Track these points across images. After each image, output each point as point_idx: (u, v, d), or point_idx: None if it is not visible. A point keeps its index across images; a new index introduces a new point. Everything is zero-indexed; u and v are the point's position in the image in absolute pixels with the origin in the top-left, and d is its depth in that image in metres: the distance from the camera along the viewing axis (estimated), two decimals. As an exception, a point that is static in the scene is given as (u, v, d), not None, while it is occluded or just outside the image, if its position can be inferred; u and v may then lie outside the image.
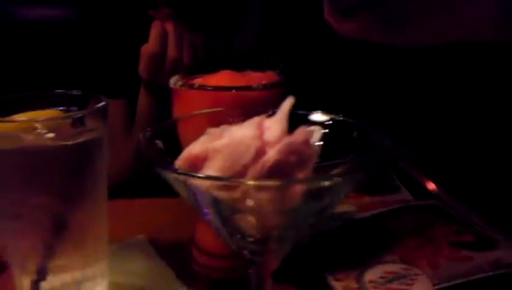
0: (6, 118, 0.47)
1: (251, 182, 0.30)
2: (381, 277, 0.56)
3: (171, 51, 0.84)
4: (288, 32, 0.95)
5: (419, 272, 0.57)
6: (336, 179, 0.31)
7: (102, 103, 0.50)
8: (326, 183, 0.30)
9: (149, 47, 0.85)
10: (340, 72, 0.93)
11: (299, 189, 0.30)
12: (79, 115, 0.49)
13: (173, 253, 0.60)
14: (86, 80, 0.96)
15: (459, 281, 0.55)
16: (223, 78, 0.51)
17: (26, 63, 1.18)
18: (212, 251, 0.54)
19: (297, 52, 0.94)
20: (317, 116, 0.37)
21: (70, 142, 0.48)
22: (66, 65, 1.09)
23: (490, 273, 0.56)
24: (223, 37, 0.97)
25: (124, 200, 0.71)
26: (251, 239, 0.34)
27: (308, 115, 0.37)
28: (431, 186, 0.78)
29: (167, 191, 0.73)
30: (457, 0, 0.32)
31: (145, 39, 0.85)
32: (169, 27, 0.83)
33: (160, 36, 0.83)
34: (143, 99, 0.94)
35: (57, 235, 0.49)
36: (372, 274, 0.57)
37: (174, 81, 0.52)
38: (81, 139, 0.48)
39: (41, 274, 0.49)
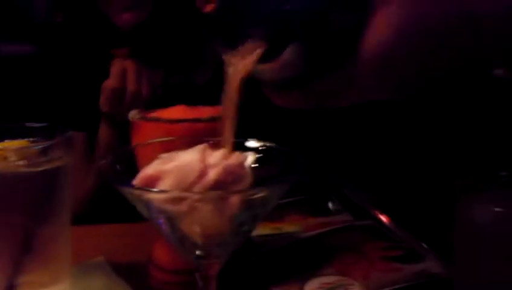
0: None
1: (196, 195, 0.37)
2: (320, 287, 0.63)
3: (130, 86, 0.91)
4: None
5: (353, 282, 0.64)
6: (263, 192, 0.38)
7: (67, 134, 0.56)
8: (256, 195, 0.37)
9: (109, 82, 0.91)
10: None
11: (235, 200, 0.37)
12: (46, 145, 0.55)
13: (131, 272, 0.66)
14: (51, 113, 1.01)
15: (388, 289, 0.63)
16: (176, 111, 0.58)
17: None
18: (167, 267, 0.60)
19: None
20: (252, 143, 0.44)
21: (38, 169, 0.53)
22: (33, 99, 1.14)
23: (414, 282, 0.64)
24: (181, 73, 1.04)
25: (84, 226, 0.76)
26: (197, 245, 0.41)
27: (245, 142, 0.44)
28: (369, 208, 0.87)
29: (124, 218, 0.78)
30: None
31: (106, 75, 0.91)
32: (128, 64, 0.90)
33: (119, 72, 0.89)
34: (103, 132, 0.99)
35: (24, 254, 0.54)
36: (312, 285, 0.63)
37: (132, 114, 0.58)
38: (47, 167, 0.54)
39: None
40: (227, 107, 0.41)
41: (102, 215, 0.87)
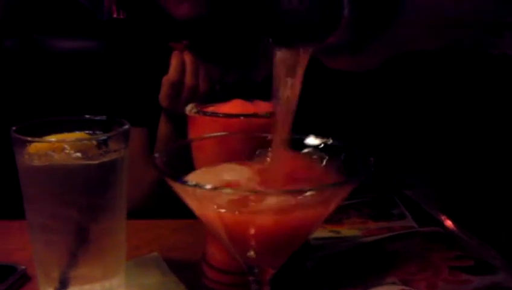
0: (40, 139, 0.53)
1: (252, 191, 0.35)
2: (380, 297, 0.59)
3: (188, 80, 0.90)
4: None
5: (418, 293, 0.59)
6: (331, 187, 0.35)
7: (125, 127, 0.55)
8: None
9: (169, 76, 0.91)
10: (346, 101, 0.97)
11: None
12: (103, 138, 0.54)
13: (185, 269, 0.64)
14: (112, 108, 1.02)
15: (456, 302, 0.58)
16: (233, 106, 0.56)
17: (59, 91, 1.25)
18: (221, 267, 0.58)
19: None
20: (312, 140, 0.41)
21: (95, 162, 0.53)
22: (95, 94, 1.16)
23: (487, 296, 0.59)
24: (239, 70, 1.03)
25: (140, 221, 0.76)
26: (250, 250, 0.38)
27: (305, 138, 0.42)
28: (435, 213, 0.81)
29: (180, 214, 0.77)
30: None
31: (166, 70, 0.91)
32: (187, 57, 0.90)
33: (178, 66, 0.89)
34: (162, 126, 0.99)
35: (80, 246, 0.53)
36: (373, 293, 0.60)
37: (189, 108, 0.57)
38: (104, 159, 0.53)
39: (63, 284, 0.54)
40: (283, 105, 0.39)
41: (159, 210, 0.87)
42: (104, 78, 1.14)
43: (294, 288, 0.61)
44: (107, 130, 0.56)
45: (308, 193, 0.34)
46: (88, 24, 1.32)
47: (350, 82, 0.89)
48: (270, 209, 0.34)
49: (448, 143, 0.96)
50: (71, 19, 1.38)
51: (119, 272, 0.57)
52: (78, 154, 0.52)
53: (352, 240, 0.74)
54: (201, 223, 0.52)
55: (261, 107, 0.56)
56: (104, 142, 0.54)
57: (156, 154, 0.40)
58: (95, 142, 0.53)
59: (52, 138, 0.54)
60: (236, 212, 0.35)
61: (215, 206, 0.35)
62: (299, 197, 0.34)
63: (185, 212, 0.79)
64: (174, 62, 0.91)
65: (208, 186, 0.35)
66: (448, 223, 0.78)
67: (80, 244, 0.53)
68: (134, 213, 0.94)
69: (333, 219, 0.78)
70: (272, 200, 0.34)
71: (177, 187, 0.37)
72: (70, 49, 1.31)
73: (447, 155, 0.96)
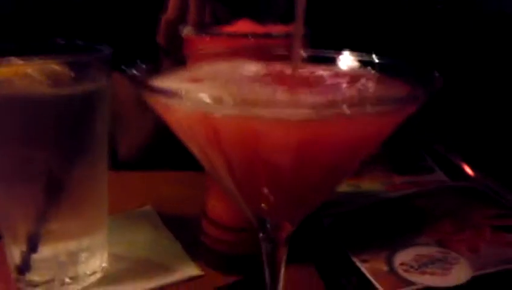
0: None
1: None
2: (414, 260, 0.50)
3: (191, 18, 0.78)
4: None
5: (457, 257, 0.50)
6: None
7: (106, 52, 0.45)
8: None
9: (168, 14, 0.79)
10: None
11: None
12: (79, 62, 0.43)
13: (181, 225, 0.55)
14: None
15: (503, 267, 0.48)
16: (241, 26, 0.45)
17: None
18: (223, 223, 0.48)
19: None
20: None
21: (67, 91, 0.42)
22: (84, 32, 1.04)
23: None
24: (246, 12, 0.91)
25: (131, 172, 0.66)
26: (265, 198, 0.28)
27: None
28: (468, 169, 0.71)
29: (177, 166, 0.68)
30: None
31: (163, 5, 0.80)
32: None
33: (179, 2, 0.77)
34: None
35: (50, 197, 0.44)
36: (404, 256, 0.50)
37: (187, 30, 0.46)
38: (79, 89, 0.43)
39: (32, 242, 0.44)
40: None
41: (154, 163, 0.77)
42: (96, 14, 1.02)
43: (309, 249, 0.52)
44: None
45: (365, 103, 0.24)
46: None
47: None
48: (307, 122, 0.24)
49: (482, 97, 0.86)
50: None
51: (99, 227, 0.48)
52: (47, 81, 0.42)
53: (374, 195, 0.64)
54: (203, 175, 0.42)
55: (274, 28, 0.46)
56: (80, 68, 0.43)
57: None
58: (67, 68, 0.43)
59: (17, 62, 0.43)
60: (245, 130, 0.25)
61: (218, 125, 0.25)
62: (351, 107, 0.23)
63: (184, 165, 0.69)
64: (172, 3, 0.79)
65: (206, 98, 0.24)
66: (484, 178, 0.68)
67: (51, 195, 0.43)
68: (126, 165, 0.85)
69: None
70: (306, 109, 0.24)
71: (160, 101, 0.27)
72: None
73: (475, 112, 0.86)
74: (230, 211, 0.48)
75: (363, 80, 0.30)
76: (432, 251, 0.51)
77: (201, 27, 0.50)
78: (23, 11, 1.02)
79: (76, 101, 0.43)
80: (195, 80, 0.32)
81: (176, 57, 0.87)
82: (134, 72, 0.30)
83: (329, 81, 0.30)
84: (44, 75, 0.42)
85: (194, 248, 0.51)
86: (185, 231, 0.54)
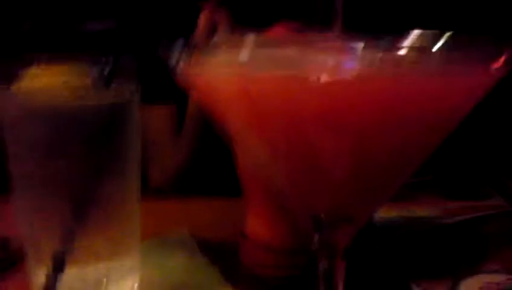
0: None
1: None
2: (483, 288, 0.43)
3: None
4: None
5: (532, 285, 0.44)
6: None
7: (133, 60, 0.42)
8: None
9: (196, 38, 0.78)
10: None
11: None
12: (106, 71, 0.41)
13: (219, 250, 0.50)
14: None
15: None
16: (276, 34, 0.42)
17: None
18: (264, 243, 0.44)
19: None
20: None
21: (94, 102, 0.40)
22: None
23: None
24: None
25: (167, 195, 0.63)
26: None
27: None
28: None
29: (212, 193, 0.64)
30: None
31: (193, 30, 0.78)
32: (220, 17, 0.76)
33: (207, 27, 0.76)
34: (192, 103, 0.86)
35: (77, 213, 0.40)
36: (471, 285, 0.44)
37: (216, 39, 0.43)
38: (108, 99, 0.40)
39: (58, 262, 0.40)
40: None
41: (187, 189, 0.74)
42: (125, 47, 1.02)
43: (364, 277, 0.46)
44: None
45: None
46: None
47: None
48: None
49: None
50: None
51: (131, 249, 0.44)
52: (74, 92, 0.39)
53: (430, 220, 0.58)
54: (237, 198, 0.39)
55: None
56: (108, 79, 0.40)
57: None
58: (94, 78, 0.40)
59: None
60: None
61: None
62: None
63: (217, 191, 0.65)
64: (202, 23, 0.77)
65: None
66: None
67: (78, 211, 0.40)
68: (157, 191, 0.81)
69: (403, 195, 0.63)
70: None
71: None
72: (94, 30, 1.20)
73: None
74: (273, 229, 0.43)
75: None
76: (501, 278, 0.45)
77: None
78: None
79: (105, 112, 0.40)
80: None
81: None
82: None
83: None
84: (71, 88, 0.40)
85: (232, 273, 0.46)
86: (223, 256, 0.49)
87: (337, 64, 0.22)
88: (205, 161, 0.85)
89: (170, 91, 0.91)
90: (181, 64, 0.26)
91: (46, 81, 0.40)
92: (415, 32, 0.23)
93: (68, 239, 0.40)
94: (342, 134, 0.22)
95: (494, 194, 0.65)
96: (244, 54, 0.23)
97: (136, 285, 0.45)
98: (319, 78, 0.21)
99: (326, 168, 0.24)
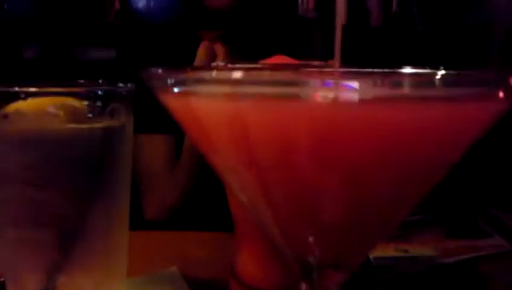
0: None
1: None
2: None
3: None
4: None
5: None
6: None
7: (128, 86, 0.42)
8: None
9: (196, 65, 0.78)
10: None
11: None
12: (99, 96, 0.40)
13: (208, 287, 0.49)
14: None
15: None
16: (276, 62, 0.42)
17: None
18: (254, 283, 0.42)
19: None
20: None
21: (84, 128, 0.39)
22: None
23: None
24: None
25: (153, 231, 0.61)
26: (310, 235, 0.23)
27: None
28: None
29: (204, 227, 0.63)
30: None
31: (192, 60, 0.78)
32: (218, 47, 0.77)
33: (206, 56, 0.76)
34: None
35: (63, 246, 0.38)
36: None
37: (215, 64, 0.42)
38: (98, 126, 0.39)
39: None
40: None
41: (182, 223, 0.72)
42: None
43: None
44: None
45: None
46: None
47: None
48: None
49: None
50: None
51: (116, 285, 0.42)
52: (64, 117, 0.38)
53: (426, 260, 0.56)
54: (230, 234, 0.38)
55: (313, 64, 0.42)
56: (99, 104, 0.40)
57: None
58: (86, 103, 0.39)
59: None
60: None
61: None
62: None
63: (212, 226, 0.63)
64: (201, 52, 0.78)
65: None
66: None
67: (63, 244, 0.38)
68: (152, 225, 0.80)
69: (399, 234, 0.61)
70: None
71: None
72: (95, 58, 1.21)
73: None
74: (265, 269, 0.41)
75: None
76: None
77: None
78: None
79: (95, 139, 0.39)
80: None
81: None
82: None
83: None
84: (62, 111, 0.39)
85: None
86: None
87: (336, 84, 0.21)
88: (201, 194, 0.84)
89: (168, 122, 0.90)
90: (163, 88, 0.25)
91: (35, 106, 0.40)
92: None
93: (52, 273, 0.39)
94: (335, 169, 0.21)
95: (493, 233, 0.64)
96: (235, 74, 0.22)
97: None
98: (315, 99, 0.20)
99: (318, 209, 0.23)
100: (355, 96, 0.20)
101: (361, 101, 0.19)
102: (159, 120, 0.91)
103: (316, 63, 0.42)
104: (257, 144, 0.22)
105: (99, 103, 0.40)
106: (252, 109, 0.20)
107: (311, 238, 0.24)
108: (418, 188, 0.24)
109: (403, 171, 0.22)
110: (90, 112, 0.39)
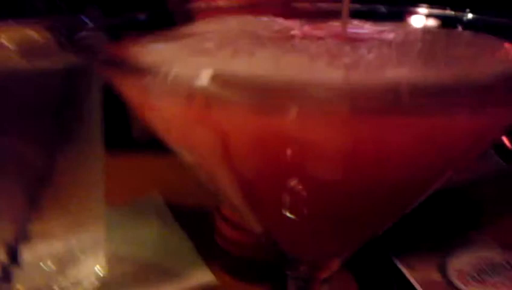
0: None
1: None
2: (473, 267, 0.41)
3: None
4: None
5: (526, 263, 0.41)
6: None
7: (94, 14, 0.36)
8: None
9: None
10: None
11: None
12: (62, 27, 0.35)
13: (193, 221, 0.47)
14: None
15: None
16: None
17: None
18: (240, 223, 0.40)
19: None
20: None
21: (45, 64, 0.34)
22: None
23: None
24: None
25: (135, 153, 0.59)
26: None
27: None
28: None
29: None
30: None
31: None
32: None
33: None
34: None
35: (31, 196, 0.36)
36: (461, 262, 0.41)
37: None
38: (62, 61, 0.35)
39: (12, 250, 0.37)
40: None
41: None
42: None
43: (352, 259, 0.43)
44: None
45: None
46: None
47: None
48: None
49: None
50: None
51: (93, 224, 0.40)
52: (20, 52, 0.34)
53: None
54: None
55: None
56: (63, 35, 0.35)
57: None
58: (47, 34, 0.34)
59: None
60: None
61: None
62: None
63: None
64: None
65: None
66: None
67: (31, 193, 0.36)
68: (140, 144, 0.77)
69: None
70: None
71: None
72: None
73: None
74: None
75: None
76: (494, 255, 0.42)
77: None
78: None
79: (57, 76, 0.35)
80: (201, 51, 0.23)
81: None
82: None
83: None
84: (18, 44, 0.34)
85: (209, 250, 0.43)
86: (199, 228, 0.46)
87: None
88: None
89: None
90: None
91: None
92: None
93: (22, 223, 0.36)
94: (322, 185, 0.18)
95: (490, 153, 0.62)
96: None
97: (102, 263, 0.41)
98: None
99: (309, 212, 0.20)
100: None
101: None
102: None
103: None
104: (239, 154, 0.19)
105: (62, 34, 0.35)
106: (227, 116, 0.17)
107: (299, 238, 0.22)
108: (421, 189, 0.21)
109: (404, 179, 0.19)
110: (51, 45, 0.35)
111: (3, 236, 0.36)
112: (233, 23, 0.25)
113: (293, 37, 0.23)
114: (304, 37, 0.23)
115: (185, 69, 0.18)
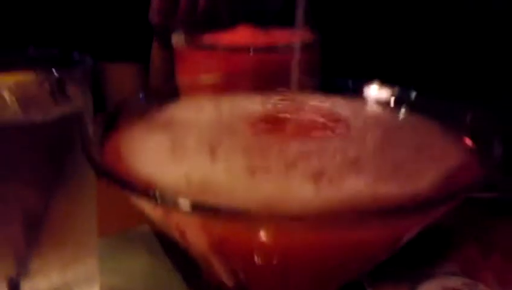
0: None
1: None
2: (439, 294, 0.44)
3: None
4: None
5: (485, 290, 0.45)
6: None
7: (87, 64, 0.39)
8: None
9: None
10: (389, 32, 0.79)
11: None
12: (56, 78, 0.38)
13: (183, 253, 0.50)
14: (88, 41, 0.85)
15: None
16: (240, 35, 0.39)
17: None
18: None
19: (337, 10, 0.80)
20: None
21: (41, 116, 0.37)
22: (66, 25, 0.95)
23: None
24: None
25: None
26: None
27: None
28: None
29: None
30: None
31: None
32: None
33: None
34: (155, 56, 0.81)
35: (30, 237, 0.39)
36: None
37: (176, 38, 0.40)
38: (57, 112, 0.37)
39: (13, 285, 0.39)
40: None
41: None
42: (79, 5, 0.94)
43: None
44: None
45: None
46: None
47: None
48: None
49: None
50: None
51: (87, 257, 0.43)
52: (18, 104, 0.37)
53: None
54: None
55: (279, 37, 0.40)
56: (57, 86, 0.38)
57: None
58: (42, 85, 0.37)
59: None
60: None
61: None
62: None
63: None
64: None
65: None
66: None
67: (30, 235, 0.38)
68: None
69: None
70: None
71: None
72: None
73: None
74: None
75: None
76: (458, 283, 0.46)
77: (194, 26, 0.44)
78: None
79: (53, 127, 0.37)
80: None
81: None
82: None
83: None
84: (15, 95, 0.37)
85: (197, 283, 0.45)
86: (188, 260, 0.48)
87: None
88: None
89: (136, 49, 0.87)
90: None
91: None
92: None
93: (22, 262, 0.39)
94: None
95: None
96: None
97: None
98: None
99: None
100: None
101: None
102: (126, 48, 0.87)
103: (281, 35, 0.40)
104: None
105: (56, 84, 0.38)
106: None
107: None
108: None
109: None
110: (45, 96, 0.37)
111: (5, 271, 0.38)
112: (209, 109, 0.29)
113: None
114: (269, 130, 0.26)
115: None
